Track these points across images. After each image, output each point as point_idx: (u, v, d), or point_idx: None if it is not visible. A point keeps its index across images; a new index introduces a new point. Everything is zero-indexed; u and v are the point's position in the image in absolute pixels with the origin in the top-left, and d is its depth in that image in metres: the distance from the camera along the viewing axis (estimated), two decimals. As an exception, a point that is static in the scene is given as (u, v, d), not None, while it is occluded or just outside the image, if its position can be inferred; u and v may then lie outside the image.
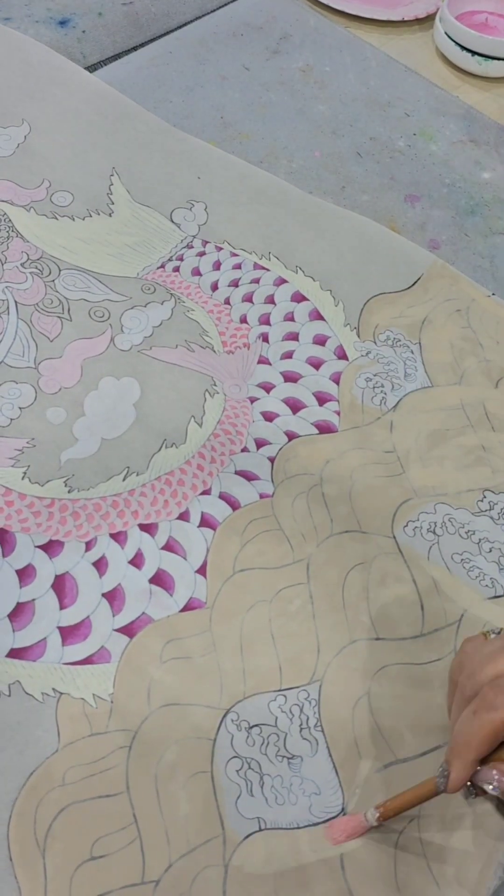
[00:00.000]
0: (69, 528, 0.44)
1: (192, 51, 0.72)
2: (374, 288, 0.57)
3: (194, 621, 0.42)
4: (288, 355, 0.53)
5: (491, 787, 0.33)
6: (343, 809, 0.37)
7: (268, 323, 0.54)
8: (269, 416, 0.50)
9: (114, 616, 0.41)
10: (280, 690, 0.40)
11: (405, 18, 0.77)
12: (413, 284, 0.58)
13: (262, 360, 0.53)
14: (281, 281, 0.57)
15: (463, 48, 0.72)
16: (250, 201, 0.61)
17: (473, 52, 0.71)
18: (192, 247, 0.57)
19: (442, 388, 0.53)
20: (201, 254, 0.57)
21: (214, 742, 0.38)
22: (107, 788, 0.37)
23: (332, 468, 0.48)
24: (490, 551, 0.46)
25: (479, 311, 0.57)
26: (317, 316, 0.55)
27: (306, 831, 0.37)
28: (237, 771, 0.38)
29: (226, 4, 0.77)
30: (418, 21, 0.78)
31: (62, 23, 0.71)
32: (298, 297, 0.56)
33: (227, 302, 0.55)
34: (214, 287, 0.56)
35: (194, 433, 0.48)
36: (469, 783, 0.34)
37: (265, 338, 0.54)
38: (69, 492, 0.45)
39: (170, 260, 0.56)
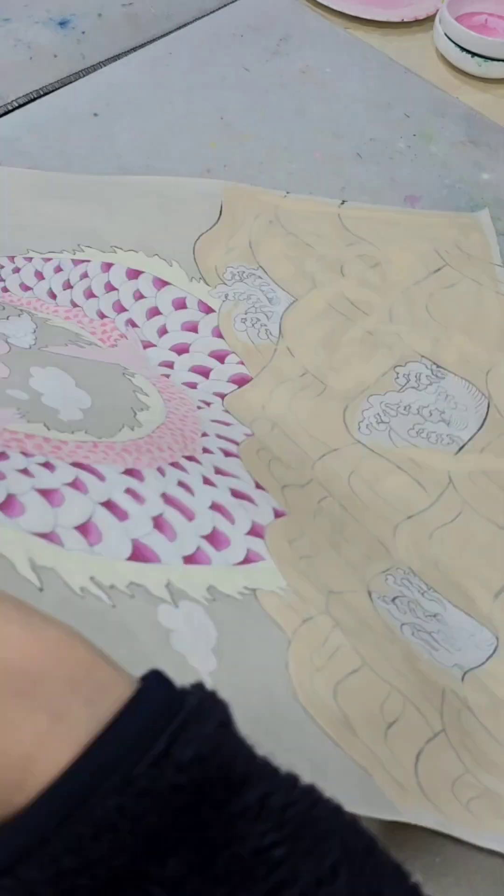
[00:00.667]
0: (130, 459, 0.42)
1: (192, 52, 0.72)
2: (192, 234, 0.57)
3: (293, 527, 0.43)
4: (163, 330, 0.53)
5: None
6: (497, 643, 0.41)
7: (124, 309, 0.54)
8: (192, 385, 0.50)
9: (235, 524, 0.41)
10: (384, 573, 0.43)
11: (405, 19, 0.77)
12: (220, 216, 0.58)
13: (146, 344, 0.52)
14: (106, 266, 0.55)
15: (463, 49, 0.72)
16: (38, 199, 0.58)
17: (473, 54, 0.72)
18: (1, 266, 0.55)
19: (305, 298, 0.55)
20: (16, 270, 0.55)
21: (380, 613, 0.40)
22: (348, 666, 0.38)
23: (271, 410, 0.50)
24: (431, 414, 0.50)
25: (286, 214, 0.58)
26: (161, 283, 0.55)
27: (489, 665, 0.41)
28: (412, 634, 0.40)
29: (226, 5, 0.77)
30: (418, 22, 0.78)
31: (62, 23, 0.71)
32: (133, 274, 0.55)
33: (73, 304, 0.54)
34: (52, 295, 0.54)
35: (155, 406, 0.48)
36: None
37: (132, 323, 0.53)
38: (98, 438, 0.43)
39: None
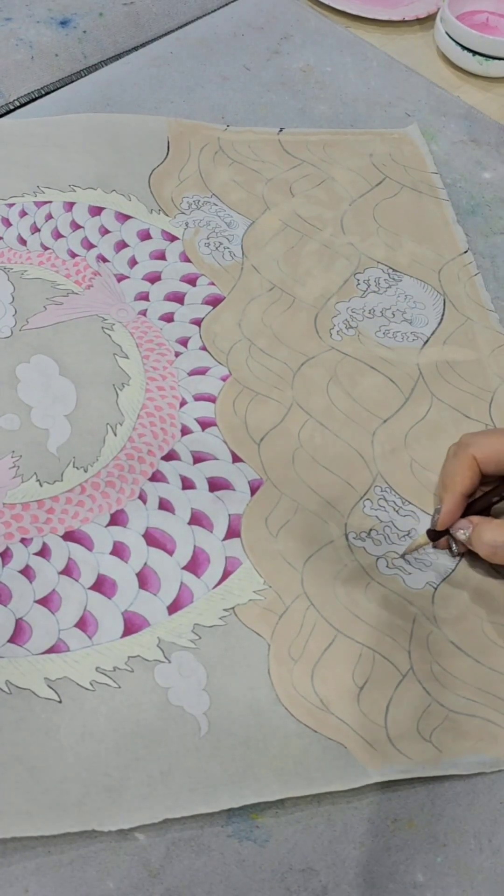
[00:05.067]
0: (114, 498, 0.45)
1: (193, 51, 0.72)
2: (145, 169, 0.60)
3: (269, 497, 0.45)
4: (133, 261, 0.55)
5: (462, 532, 0.42)
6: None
7: (92, 245, 0.56)
8: (168, 318, 0.52)
9: (213, 531, 0.44)
10: (362, 498, 0.46)
11: (406, 18, 0.77)
12: (168, 150, 0.61)
13: (120, 277, 0.54)
14: (69, 205, 0.57)
15: (464, 48, 0.72)
16: None
17: (474, 52, 0.72)
18: None
19: (260, 220, 0.59)
20: None
21: (356, 554, 0.44)
22: (323, 643, 0.41)
23: (246, 328, 0.53)
24: (394, 315, 0.54)
25: (229, 145, 0.62)
26: (123, 217, 0.57)
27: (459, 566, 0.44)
28: (387, 567, 0.43)
29: (226, 4, 0.77)
30: (419, 21, 0.78)
31: (63, 23, 0.71)
32: (95, 211, 0.57)
33: (44, 247, 0.55)
34: (22, 241, 0.55)
35: (134, 368, 0.50)
36: (451, 537, 0.43)
37: (102, 258, 0.55)
38: (86, 472, 0.46)
39: None
